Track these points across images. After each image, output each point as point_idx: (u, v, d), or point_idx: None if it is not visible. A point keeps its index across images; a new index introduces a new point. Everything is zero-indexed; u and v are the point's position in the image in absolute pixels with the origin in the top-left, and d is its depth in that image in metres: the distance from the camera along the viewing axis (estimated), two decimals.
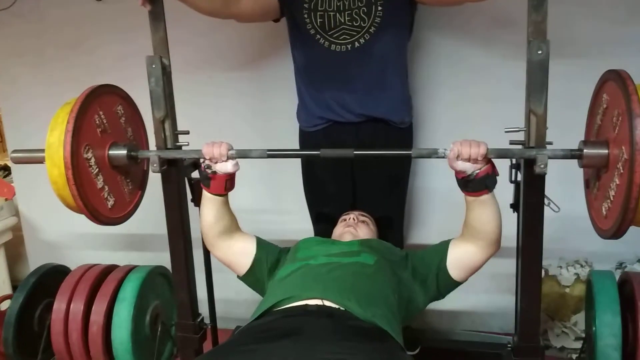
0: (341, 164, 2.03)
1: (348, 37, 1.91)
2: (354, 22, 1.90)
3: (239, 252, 1.69)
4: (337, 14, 1.90)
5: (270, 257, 1.68)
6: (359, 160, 2.02)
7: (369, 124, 1.99)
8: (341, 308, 1.34)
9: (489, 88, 2.24)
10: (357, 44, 1.91)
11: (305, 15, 1.92)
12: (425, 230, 2.47)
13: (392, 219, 2.09)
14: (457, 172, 1.46)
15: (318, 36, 1.93)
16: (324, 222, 2.09)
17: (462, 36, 2.25)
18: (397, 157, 1.96)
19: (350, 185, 2.10)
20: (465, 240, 1.56)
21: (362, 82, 1.94)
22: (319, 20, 1.91)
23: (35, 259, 2.89)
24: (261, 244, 1.71)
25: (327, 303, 1.34)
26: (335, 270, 1.49)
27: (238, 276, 1.73)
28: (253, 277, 1.69)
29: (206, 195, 1.63)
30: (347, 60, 1.92)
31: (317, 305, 1.34)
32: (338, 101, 1.98)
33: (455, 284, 1.61)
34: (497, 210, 1.49)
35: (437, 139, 2.27)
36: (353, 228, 1.79)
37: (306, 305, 1.35)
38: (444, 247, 1.60)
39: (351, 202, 2.08)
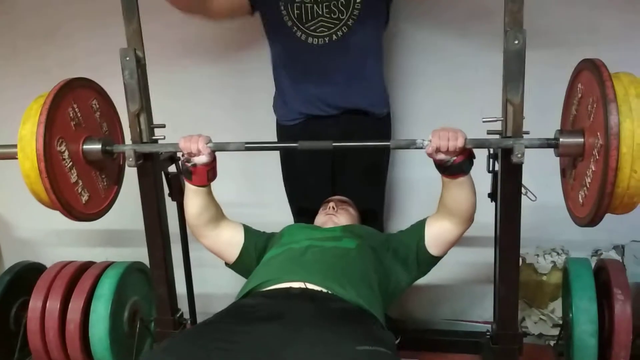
0: (320, 156, 2.03)
1: (326, 30, 1.90)
2: (332, 15, 1.89)
3: (227, 242, 1.69)
4: (315, 6, 1.89)
5: (259, 245, 1.70)
6: (338, 152, 2.02)
7: (348, 115, 1.99)
8: (323, 290, 1.36)
9: (467, 77, 2.25)
10: (334, 37, 1.90)
11: (282, 7, 1.91)
12: (405, 220, 2.47)
13: (372, 209, 2.10)
14: (435, 160, 1.48)
15: (295, 28, 1.91)
16: (304, 215, 2.08)
17: (439, 26, 2.25)
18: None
19: (329, 177, 2.10)
20: (441, 217, 1.59)
21: (341, 74, 1.94)
22: (296, 12, 1.90)
23: (9, 257, 2.85)
24: (248, 232, 1.72)
25: (310, 286, 1.36)
26: (318, 253, 1.51)
27: (226, 264, 1.73)
28: (242, 266, 1.70)
29: (189, 187, 1.62)
30: (325, 53, 1.92)
31: (300, 288, 1.36)
32: (318, 95, 1.97)
33: (435, 260, 1.64)
34: (473, 189, 1.53)
35: (415, 129, 2.27)
36: (334, 216, 1.80)
37: (290, 287, 1.37)
38: (420, 226, 1.63)
39: (331, 194, 2.07)
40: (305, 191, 2.13)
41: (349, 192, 2.06)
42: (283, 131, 2.11)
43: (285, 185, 2.20)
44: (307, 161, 2.05)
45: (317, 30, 1.91)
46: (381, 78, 2.04)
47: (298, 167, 2.12)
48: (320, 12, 1.89)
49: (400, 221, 2.46)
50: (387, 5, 1.99)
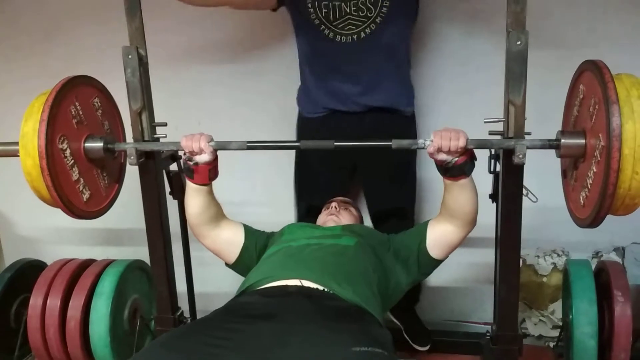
0: (338, 155, 1.91)
1: (353, 28, 1.90)
2: (360, 12, 1.88)
3: (227, 242, 1.68)
4: (343, 4, 1.88)
5: (259, 244, 1.69)
6: (359, 151, 2.01)
7: (372, 113, 1.98)
8: (319, 287, 1.35)
9: (468, 78, 2.23)
10: (362, 35, 1.90)
11: (310, 5, 1.91)
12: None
13: (401, 207, 2.09)
14: (437, 160, 1.47)
15: (322, 27, 1.91)
16: (312, 214, 2.04)
17: (441, 26, 2.24)
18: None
19: (344, 178, 2.10)
20: (444, 220, 1.58)
21: (367, 72, 1.94)
22: (323, 10, 1.90)
23: (10, 254, 2.84)
24: (249, 232, 1.71)
25: (306, 283, 1.36)
26: (316, 251, 1.51)
27: (226, 264, 1.72)
28: (242, 266, 1.69)
29: (190, 186, 1.61)
30: (352, 51, 1.92)
31: (296, 286, 1.35)
32: (343, 92, 1.97)
33: (436, 263, 1.63)
34: (474, 192, 1.52)
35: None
36: (335, 216, 1.80)
37: (286, 285, 1.36)
38: (422, 228, 1.63)
39: (345, 193, 2.06)
40: (316, 189, 2.10)
41: (375, 190, 2.05)
42: (304, 123, 2.10)
43: (296, 182, 2.19)
44: (324, 159, 2.04)
45: (345, 29, 1.90)
46: (406, 77, 2.03)
47: (314, 164, 2.11)
48: (348, 11, 1.88)
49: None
50: (417, 3, 1.98)
